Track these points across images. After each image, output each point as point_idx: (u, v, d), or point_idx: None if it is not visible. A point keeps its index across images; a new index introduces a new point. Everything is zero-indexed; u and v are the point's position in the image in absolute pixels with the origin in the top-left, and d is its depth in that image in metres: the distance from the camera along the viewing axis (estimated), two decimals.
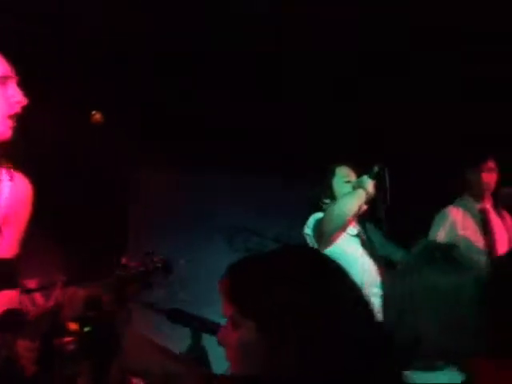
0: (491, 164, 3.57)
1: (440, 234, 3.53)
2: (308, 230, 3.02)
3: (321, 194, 3.11)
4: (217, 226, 4.43)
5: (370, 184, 2.93)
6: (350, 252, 2.92)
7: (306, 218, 3.10)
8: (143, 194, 4.36)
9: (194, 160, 4.28)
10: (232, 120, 4.16)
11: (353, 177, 3.11)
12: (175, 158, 4.26)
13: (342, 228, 2.94)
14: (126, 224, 4.31)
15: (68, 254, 3.28)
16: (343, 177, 3.11)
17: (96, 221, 3.84)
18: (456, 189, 3.66)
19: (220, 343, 1.19)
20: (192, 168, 4.36)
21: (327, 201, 3.08)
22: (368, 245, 3.04)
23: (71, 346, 1.38)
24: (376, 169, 2.93)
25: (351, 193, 2.97)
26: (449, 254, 1.50)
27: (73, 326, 1.39)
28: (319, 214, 3.02)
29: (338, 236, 2.94)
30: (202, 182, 4.43)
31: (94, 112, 4.10)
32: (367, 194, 2.93)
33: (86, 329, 1.36)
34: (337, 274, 1.15)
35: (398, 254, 3.44)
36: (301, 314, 1.06)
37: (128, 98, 3.95)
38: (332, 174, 3.12)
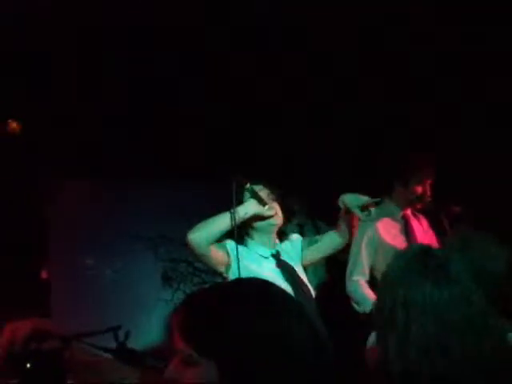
0: (427, 176, 3.62)
1: (364, 240, 3.59)
2: None
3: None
4: (142, 236, 4.38)
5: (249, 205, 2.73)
6: (257, 274, 2.70)
7: None
8: (65, 205, 4.25)
9: (117, 170, 4.22)
10: (156, 130, 4.14)
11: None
12: (97, 168, 4.18)
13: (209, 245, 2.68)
14: (48, 236, 4.19)
15: None
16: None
17: (16, 234, 3.72)
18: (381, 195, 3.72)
19: (168, 379, 1.15)
20: (115, 178, 4.30)
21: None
22: (287, 267, 2.82)
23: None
24: (249, 187, 2.75)
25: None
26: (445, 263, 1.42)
27: (14, 363, 1.38)
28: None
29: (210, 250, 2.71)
30: (126, 193, 4.37)
31: (10, 121, 3.98)
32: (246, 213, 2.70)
33: (28, 365, 1.36)
34: (289, 306, 1.15)
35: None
36: (263, 350, 1.07)
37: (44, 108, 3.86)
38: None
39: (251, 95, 4.15)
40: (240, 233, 2.72)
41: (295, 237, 3.01)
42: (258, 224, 2.80)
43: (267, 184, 2.84)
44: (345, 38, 3.80)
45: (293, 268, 2.82)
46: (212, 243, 2.67)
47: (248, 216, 2.72)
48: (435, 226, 3.69)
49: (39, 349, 1.38)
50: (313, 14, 3.63)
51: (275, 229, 2.84)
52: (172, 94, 4.12)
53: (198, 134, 4.21)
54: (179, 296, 4.29)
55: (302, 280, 2.80)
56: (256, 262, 2.79)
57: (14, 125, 3.87)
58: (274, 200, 2.82)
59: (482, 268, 1.69)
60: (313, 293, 2.81)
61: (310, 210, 4.59)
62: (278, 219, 2.81)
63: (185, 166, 4.19)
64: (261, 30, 3.75)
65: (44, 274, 4.09)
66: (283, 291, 1.19)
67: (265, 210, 2.74)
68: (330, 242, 2.94)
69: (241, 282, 1.29)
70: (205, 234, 2.64)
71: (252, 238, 2.82)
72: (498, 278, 1.73)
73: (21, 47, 3.58)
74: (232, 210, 2.66)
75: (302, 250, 2.94)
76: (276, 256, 2.83)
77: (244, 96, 4.15)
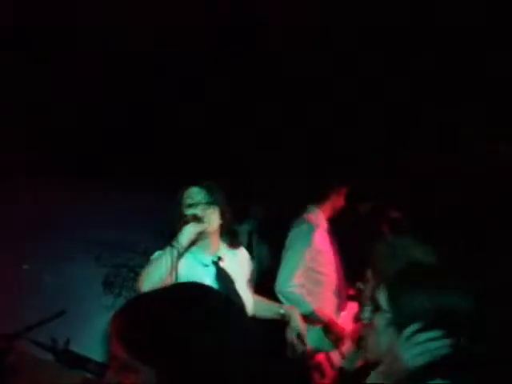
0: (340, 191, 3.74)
1: (302, 251, 3.62)
2: None
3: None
4: (83, 240, 4.29)
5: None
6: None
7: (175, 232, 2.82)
8: (2, 206, 4.13)
9: (59, 169, 4.13)
10: (105, 135, 4.09)
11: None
12: (38, 167, 4.09)
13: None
14: None
15: None
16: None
17: None
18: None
19: (109, 382, 1.14)
20: (56, 178, 4.20)
21: None
22: (226, 275, 2.75)
23: None
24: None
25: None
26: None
27: None
28: None
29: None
30: (68, 194, 4.29)
31: None
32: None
33: None
34: (227, 313, 1.16)
35: None
36: (201, 360, 1.07)
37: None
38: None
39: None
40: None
41: (244, 255, 2.93)
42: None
43: (207, 186, 2.76)
44: None
45: (231, 279, 2.74)
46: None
47: (190, 240, 2.66)
48: (375, 231, 3.78)
49: None
50: None
51: (209, 234, 2.75)
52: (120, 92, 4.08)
53: (147, 136, 4.18)
54: (120, 302, 4.23)
55: (237, 293, 2.72)
56: (195, 270, 2.72)
57: None
58: (210, 204, 2.71)
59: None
60: (248, 308, 2.75)
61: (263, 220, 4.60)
62: (210, 227, 2.72)
63: (133, 169, 4.14)
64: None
65: None
66: (223, 297, 1.19)
67: (203, 226, 2.67)
68: (262, 310, 2.91)
69: (180, 287, 1.25)
70: (151, 282, 2.53)
71: (194, 244, 2.74)
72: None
73: None
74: (172, 245, 2.59)
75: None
76: (216, 263, 2.76)
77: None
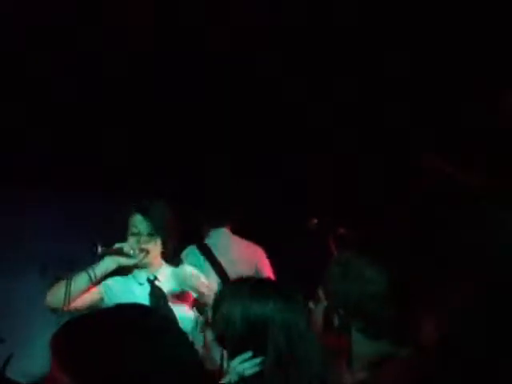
0: None
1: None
2: None
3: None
4: (28, 253, 4.19)
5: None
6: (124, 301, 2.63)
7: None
8: None
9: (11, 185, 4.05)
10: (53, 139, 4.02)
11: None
12: None
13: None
14: None
15: None
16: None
17: None
18: None
19: None
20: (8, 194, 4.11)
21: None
22: (159, 292, 2.82)
23: None
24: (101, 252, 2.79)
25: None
26: None
27: None
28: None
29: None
30: (13, 205, 4.18)
31: None
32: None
33: None
34: (168, 340, 1.15)
35: None
36: (139, 379, 1.07)
37: None
38: None
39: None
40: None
41: (189, 270, 2.94)
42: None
43: (151, 215, 2.81)
44: None
45: (164, 296, 2.81)
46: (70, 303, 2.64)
47: (109, 271, 2.78)
48: (322, 247, 3.83)
49: None
50: None
51: (148, 263, 2.85)
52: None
53: (96, 145, 4.14)
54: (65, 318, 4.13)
55: (169, 308, 2.77)
56: (130, 287, 2.81)
57: None
58: (151, 235, 2.79)
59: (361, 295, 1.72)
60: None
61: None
62: (147, 259, 2.83)
63: (80, 179, 4.09)
64: None
65: None
66: (160, 317, 1.22)
67: (128, 261, 2.78)
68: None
69: (122, 309, 1.25)
70: (60, 297, 2.61)
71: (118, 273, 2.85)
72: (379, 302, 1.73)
73: None
74: (90, 271, 2.70)
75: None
76: (152, 281, 2.85)
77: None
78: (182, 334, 1.22)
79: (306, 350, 1.63)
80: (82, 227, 4.11)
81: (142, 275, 2.85)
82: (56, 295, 2.64)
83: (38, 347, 3.70)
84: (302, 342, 1.64)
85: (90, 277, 2.67)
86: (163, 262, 2.93)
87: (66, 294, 2.59)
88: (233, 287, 1.75)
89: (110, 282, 2.79)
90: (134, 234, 2.78)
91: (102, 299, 2.78)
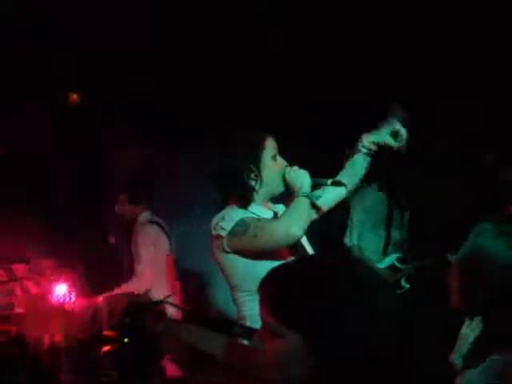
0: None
1: (363, 207, 4.02)
2: (221, 230, 2.31)
3: (239, 174, 2.38)
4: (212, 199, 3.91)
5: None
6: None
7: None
8: None
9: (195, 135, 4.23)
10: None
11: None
12: None
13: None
14: None
15: None
16: (272, 150, 2.46)
17: None
18: None
19: (255, 345, 1.26)
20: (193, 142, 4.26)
21: (253, 183, 2.41)
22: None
23: (110, 355, 1.44)
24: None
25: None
26: None
27: (112, 335, 1.42)
28: (240, 212, 2.36)
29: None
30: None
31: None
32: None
33: (126, 339, 1.41)
34: (375, 287, 1.15)
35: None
36: (350, 327, 1.08)
37: None
38: (260, 145, 2.42)
39: None
40: (246, 197, 2.41)
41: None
42: (279, 190, 2.49)
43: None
44: None
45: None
46: None
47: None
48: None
49: (135, 322, 1.42)
50: None
51: None
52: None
53: None
54: None
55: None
56: None
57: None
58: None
59: None
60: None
61: None
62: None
63: None
64: None
65: None
66: (371, 270, 1.19)
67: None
68: (334, 195, 2.62)
69: (327, 257, 1.23)
70: (304, 225, 2.34)
71: (255, 201, 2.45)
72: None
73: None
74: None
75: None
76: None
77: None
78: (386, 285, 1.19)
79: None
80: None
81: (262, 211, 2.48)
82: (299, 224, 2.30)
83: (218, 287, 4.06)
84: None
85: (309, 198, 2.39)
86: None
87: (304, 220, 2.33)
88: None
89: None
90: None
91: None
